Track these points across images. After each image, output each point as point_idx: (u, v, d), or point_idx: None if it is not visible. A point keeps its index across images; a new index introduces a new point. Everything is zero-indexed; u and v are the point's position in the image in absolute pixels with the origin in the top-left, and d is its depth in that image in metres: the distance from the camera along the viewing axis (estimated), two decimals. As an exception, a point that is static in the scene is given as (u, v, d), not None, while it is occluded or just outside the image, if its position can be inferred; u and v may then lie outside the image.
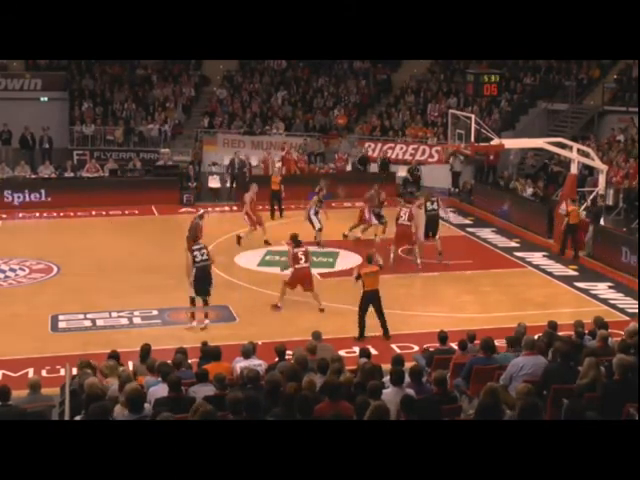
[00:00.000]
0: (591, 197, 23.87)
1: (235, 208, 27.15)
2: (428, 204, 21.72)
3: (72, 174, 30.03)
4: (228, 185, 30.30)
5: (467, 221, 26.87)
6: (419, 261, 20.94)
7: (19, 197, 28.27)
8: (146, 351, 11.70)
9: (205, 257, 16.39)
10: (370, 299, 15.85)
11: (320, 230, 22.94)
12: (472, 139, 22.99)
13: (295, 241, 17.98)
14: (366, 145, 33.66)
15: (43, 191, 28.37)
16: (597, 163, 24.25)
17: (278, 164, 29.94)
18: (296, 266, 17.60)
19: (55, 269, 20.65)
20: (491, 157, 30.31)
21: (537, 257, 22.29)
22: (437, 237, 21.60)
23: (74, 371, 11.35)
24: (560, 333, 12.33)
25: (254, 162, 32.91)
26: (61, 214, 27.41)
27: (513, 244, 23.83)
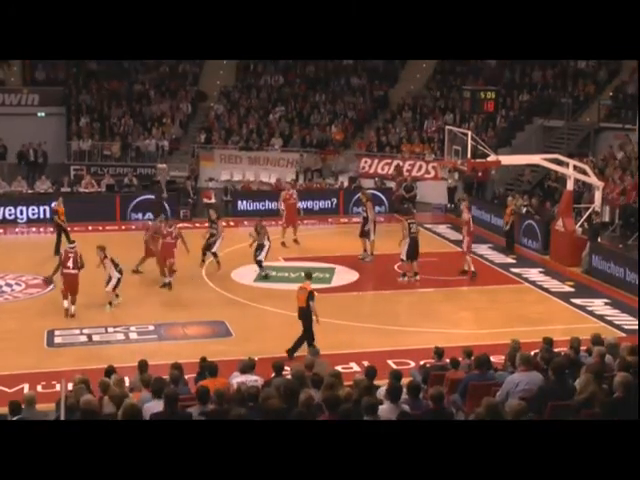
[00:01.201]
0: (587, 214, 23.92)
1: (232, 224, 27.18)
2: (412, 225, 21.61)
3: (69, 189, 30.09)
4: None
5: (463, 237, 26.85)
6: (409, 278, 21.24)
7: (15, 212, 28.27)
8: (143, 366, 11.69)
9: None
10: (298, 316, 15.81)
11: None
12: (468, 155, 23.06)
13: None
14: (363, 161, 33.78)
15: (40, 206, 28.38)
16: (593, 179, 24.31)
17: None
18: (64, 271, 18.10)
19: (51, 284, 20.61)
20: (479, 174, 30.34)
21: (533, 273, 22.30)
22: (416, 260, 21.54)
23: (70, 387, 11.31)
24: (556, 350, 12.33)
25: (249, 178, 33.29)
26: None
27: (509, 260, 23.84)
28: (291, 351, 15.49)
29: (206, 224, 28.01)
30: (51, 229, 27.29)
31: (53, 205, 24.87)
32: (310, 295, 15.79)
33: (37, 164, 33.58)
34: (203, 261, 22.22)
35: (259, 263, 21.20)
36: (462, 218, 22.82)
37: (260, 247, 21.14)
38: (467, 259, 21.98)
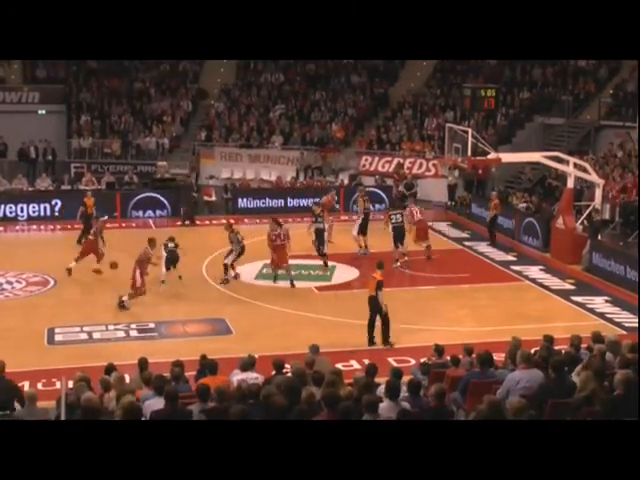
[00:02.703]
0: (587, 211, 23.93)
1: (232, 221, 27.16)
2: (392, 217, 22.35)
3: (69, 187, 30.13)
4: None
5: (464, 235, 26.88)
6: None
7: (16, 210, 28.29)
8: (144, 364, 11.69)
9: None
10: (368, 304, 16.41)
11: None
12: (469, 153, 23.07)
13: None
14: (363, 158, 33.79)
15: (40, 204, 28.40)
16: (593, 177, 24.32)
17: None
18: (90, 237, 21.06)
19: (51, 282, 20.63)
20: (480, 171, 30.32)
21: (534, 271, 22.30)
22: (404, 245, 22.35)
23: (70, 385, 11.32)
24: (556, 347, 12.34)
25: (249, 176, 33.27)
26: (58, 226, 27.42)
27: (510, 258, 23.84)
28: (385, 340, 16.29)
29: (206, 222, 28.19)
30: (51, 227, 27.45)
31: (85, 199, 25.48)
32: (379, 284, 16.20)
33: (45, 161, 33.66)
34: (325, 264, 22.06)
35: (225, 266, 20.64)
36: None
37: (231, 252, 20.74)
38: (424, 245, 23.10)
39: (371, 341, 16.30)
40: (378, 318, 16.37)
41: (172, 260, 20.28)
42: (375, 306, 16.26)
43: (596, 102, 32.39)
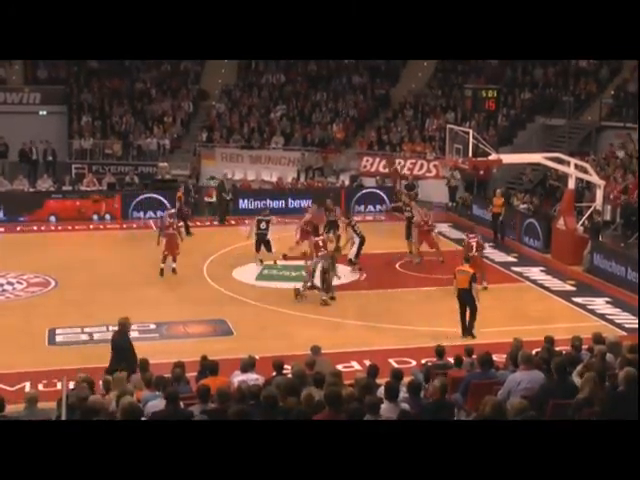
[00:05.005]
0: (588, 212, 23.92)
1: (233, 222, 27.22)
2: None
3: (70, 188, 30.13)
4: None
5: (465, 236, 26.83)
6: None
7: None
8: (144, 365, 11.69)
9: None
10: (459, 297, 16.87)
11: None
12: (470, 154, 23.05)
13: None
14: (364, 159, 33.79)
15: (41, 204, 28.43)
16: (594, 178, 24.31)
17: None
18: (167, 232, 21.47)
19: (52, 283, 20.63)
20: (481, 172, 30.29)
21: (534, 272, 22.29)
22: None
23: (71, 385, 11.31)
24: (557, 348, 12.33)
25: (250, 177, 33.25)
26: (59, 227, 27.42)
27: (510, 259, 23.83)
28: (468, 331, 16.71)
29: (207, 223, 28.19)
30: (53, 227, 27.45)
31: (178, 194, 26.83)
32: (473, 277, 16.83)
33: (46, 162, 33.66)
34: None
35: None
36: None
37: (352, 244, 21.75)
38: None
39: (467, 331, 16.72)
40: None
41: (261, 242, 21.62)
42: (470, 299, 16.71)
43: (597, 103, 32.36)
